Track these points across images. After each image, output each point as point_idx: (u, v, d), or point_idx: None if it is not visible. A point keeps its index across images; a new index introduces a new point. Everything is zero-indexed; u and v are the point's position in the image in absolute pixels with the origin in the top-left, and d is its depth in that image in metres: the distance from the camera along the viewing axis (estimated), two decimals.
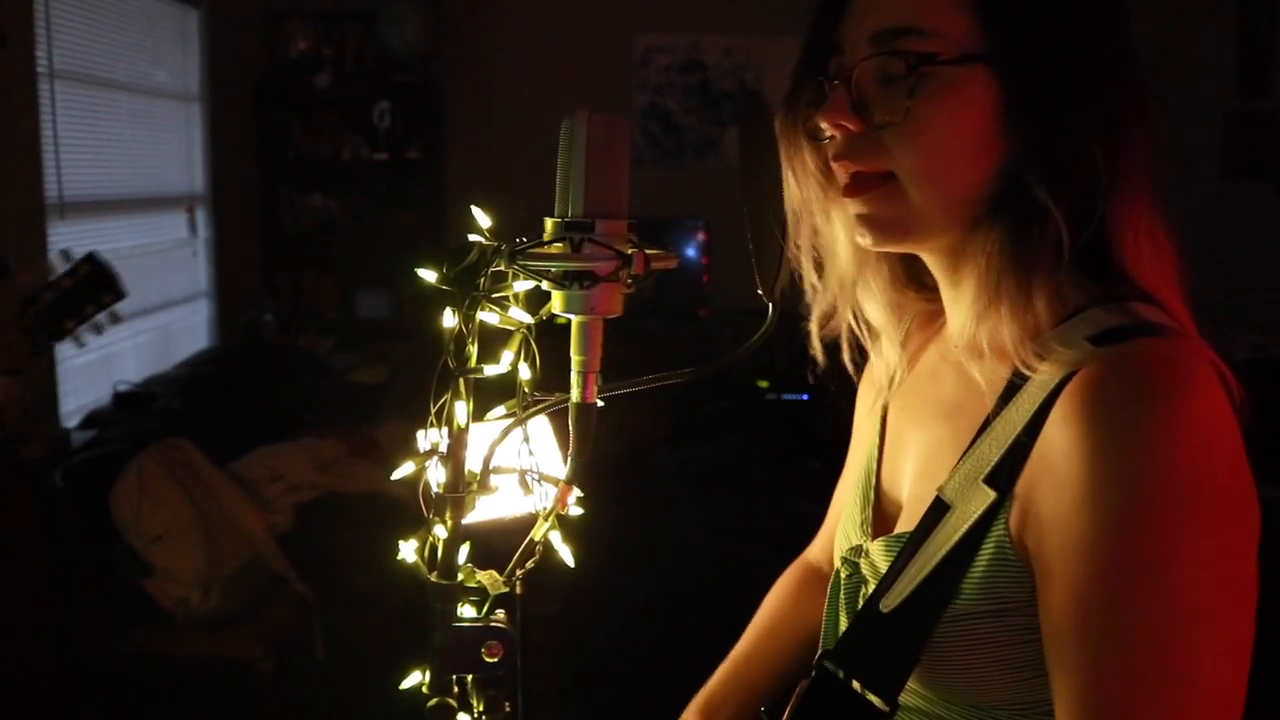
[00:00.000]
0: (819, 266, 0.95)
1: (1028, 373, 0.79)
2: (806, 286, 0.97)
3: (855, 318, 0.98)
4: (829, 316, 0.98)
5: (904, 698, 0.86)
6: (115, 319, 2.25)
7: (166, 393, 3.71)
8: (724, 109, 5.24)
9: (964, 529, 0.80)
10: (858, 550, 0.94)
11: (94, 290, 2.13)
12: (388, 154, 5.17)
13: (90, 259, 2.16)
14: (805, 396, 4.09)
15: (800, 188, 0.90)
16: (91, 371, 3.76)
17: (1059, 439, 0.75)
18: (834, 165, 0.85)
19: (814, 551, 1.22)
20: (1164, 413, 0.71)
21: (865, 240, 0.86)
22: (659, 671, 2.91)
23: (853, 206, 0.85)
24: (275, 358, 4.60)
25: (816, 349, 0.99)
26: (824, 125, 0.83)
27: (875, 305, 0.97)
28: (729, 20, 5.12)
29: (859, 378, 1.06)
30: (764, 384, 4.25)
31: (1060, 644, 0.74)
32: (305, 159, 5.22)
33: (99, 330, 2.21)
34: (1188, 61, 4.98)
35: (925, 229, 0.84)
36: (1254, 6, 4.51)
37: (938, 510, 0.83)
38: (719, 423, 4.11)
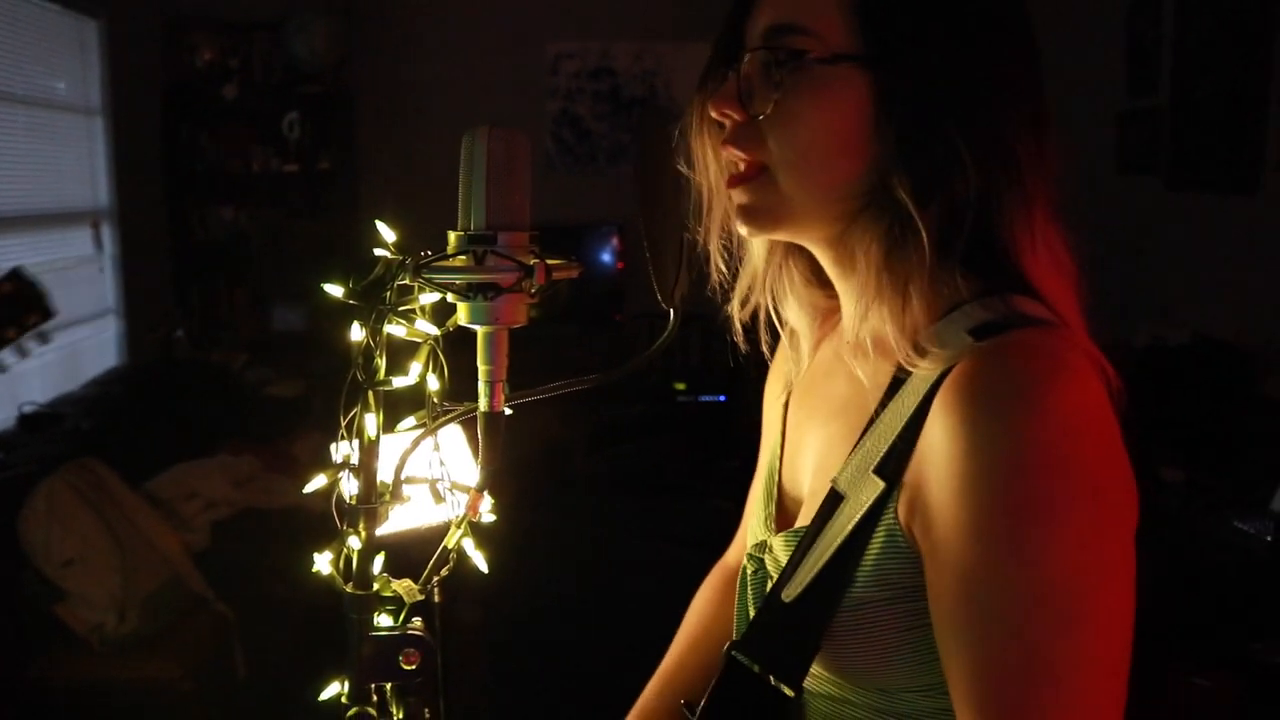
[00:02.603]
0: (726, 250, 0.98)
1: (910, 368, 0.82)
2: (712, 270, 0.98)
3: (773, 309, 1.00)
4: (745, 301, 1.00)
5: (813, 684, 0.89)
6: (44, 339, 2.08)
7: (75, 413, 3.63)
8: (634, 114, 5.28)
9: (857, 519, 0.82)
10: (762, 546, 0.96)
11: (17, 310, 1.97)
12: (298, 165, 5.12)
13: (14, 275, 1.96)
14: (722, 398, 4.14)
15: (709, 173, 0.93)
16: None
17: (939, 430, 0.77)
18: (722, 151, 0.89)
19: (732, 554, 1.24)
20: (1034, 401, 0.74)
21: (742, 229, 0.89)
22: (582, 674, 2.92)
23: (735, 197, 0.89)
24: (188, 374, 4.52)
25: (738, 332, 1.01)
26: (712, 112, 0.87)
27: (793, 304, 1.00)
28: (637, 26, 5.16)
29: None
30: (681, 386, 4.29)
31: (949, 628, 0.77)
32: (214, 171, 5.15)
33: (24, 354, 2.04)
34: (1082, 63, 5.14)
35: (797, 220, 0.87)
36: (1139, 11, 4.67)
37: (832, 502, 0.86)
38: (637, 426, 4.14)
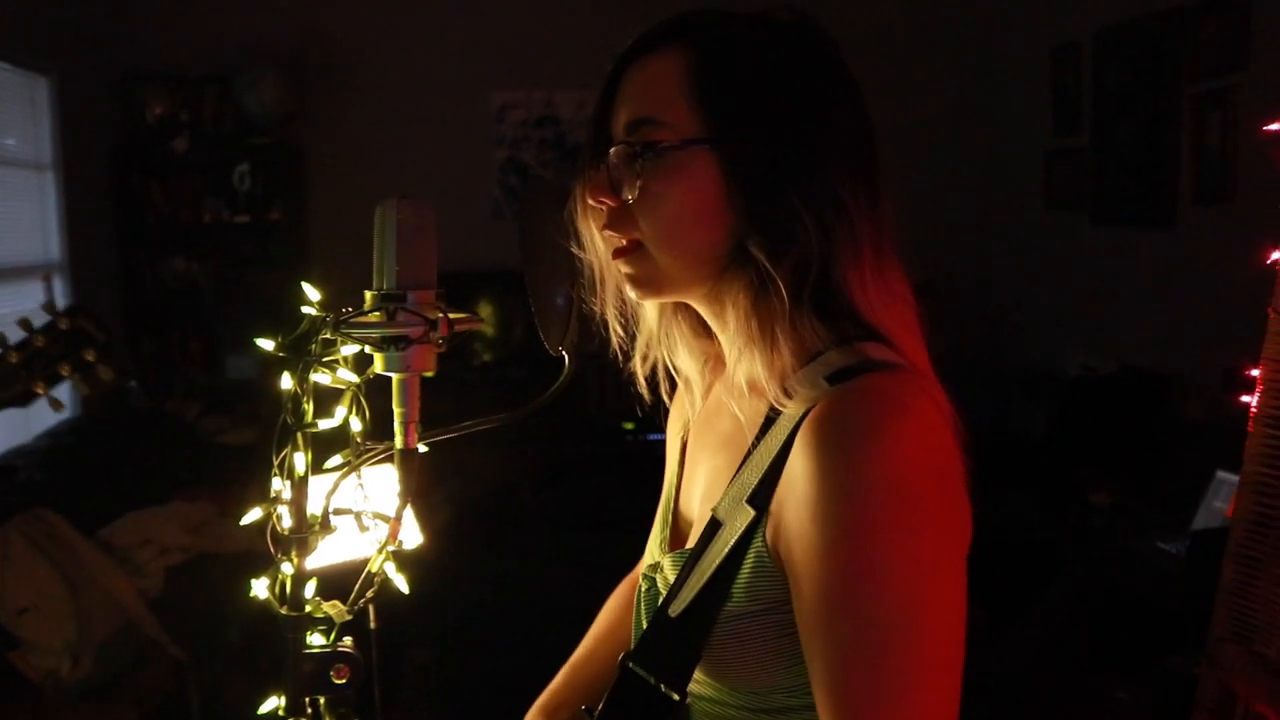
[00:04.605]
0: (622, 316, 1.10)
1: (780, 409, 0.93)
2: (612, 336, 1.11)
3: (669, 361, 1.13)
4: (645, 356, 1.12)
5: (697, 689, 0.99)
6: (110, 372, 2.01)
7: (28, 465, 3.67)
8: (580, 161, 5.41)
9: (731, 543, 0.93)
10: (655, 566, 1.07)
11: (73, 346, 1.94)
12: (249, 216, 5.20)
13: (73, 311, 1.99)
14: None
15: (598, 250, 1.05)
16: None
17: (798, 463, 0.88)
18: (603, 233, 1.01)
19: (642, 566, 1.36)
20: (876, 438, 0.85)
21: (632, 294, 1.02)
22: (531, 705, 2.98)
23: (621, 268, 1.01)
24: (141, 424, 4.56)
25: (642, 386, 1.13)
26: (589, 201, 0.99)
27: (683, 353, 1.12)
28: (582, 75, 5.29)
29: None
30: (629, 426, 4.40)
31: (810, 636, 0.88)
32: (166, 223, 5.21)
33: (93, 386, 2.00)
34: (1011, 106, 5.35)
35: (675, 284, 0.99)
36: (1062, 57, 4.89)
37: (713, 528, 0.97)
38: (585, 465, 4.24)
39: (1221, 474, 3.18)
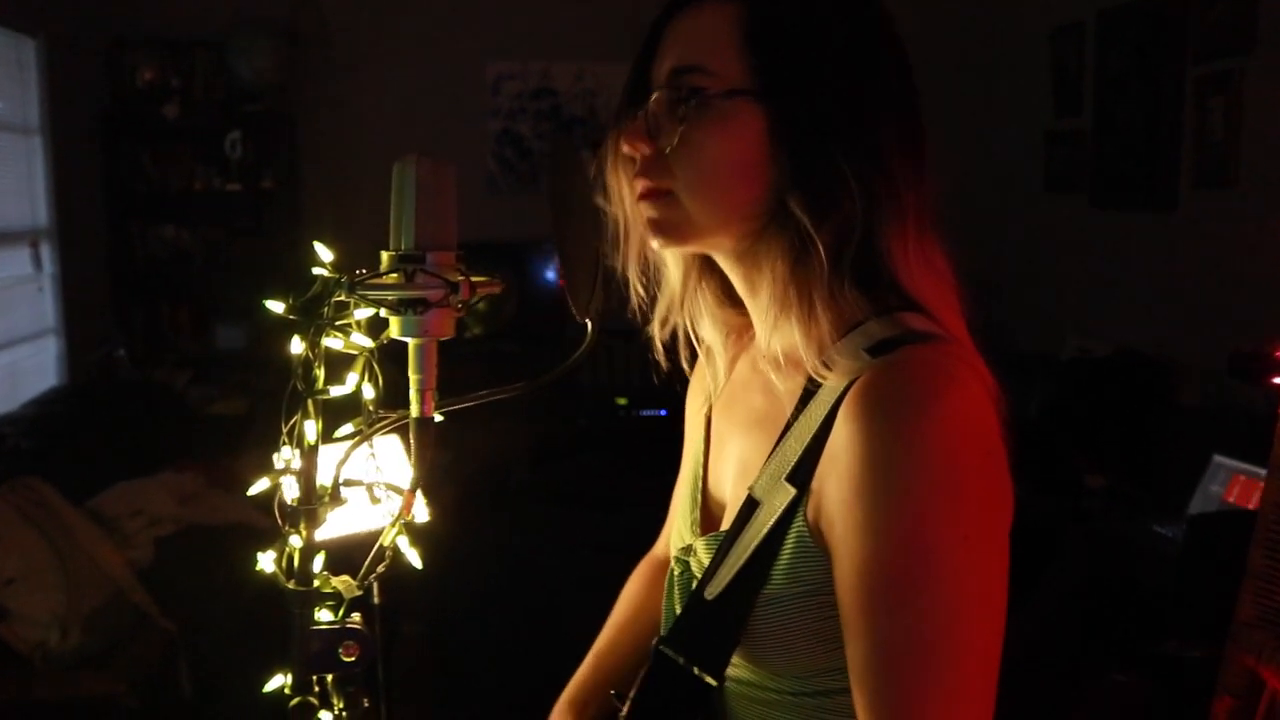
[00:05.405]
0: (644, 276, 1.06)
1: (820, 380, 0.90)
2: (632, 294, 1.06)
3: (691, 329, 1.09)
4: (665, 321, 1.08)
5: (734, 673, 0.96)
6: None
7: (14, 433, 3.62)
8: (576, 133, 5.36)
9: (771, 523, 0.90)
10: (687, 549, 1.04)
11: None
12: (241, 184, 5.14)
13: None
14: (663, 412, 4.21)
15: (625, 204, 1.01)
16: None
17: (842, 437, 0.85)
18: (635, 183, 0.96)
19: (660, 547, 1.33)
20: (923, 410, 0.82)
21: (653, 242, 0.97)
22: (525, 684, 2.97)
23: (644, 211, 0.97)
24: (129, 394, 4.51)
25: (659, 352, 1.09)
26: (624, 148, 0.95)
27: (707, 322, 1.08)
28: (578, 47, 5.24)
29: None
30: (623, 401, 4.37)
31: (849, 614, 0.85)
32: (155, 190, 5.14)
33: None
34: (1013, 89, 5.31)
35: (701, 233, 0.95)
36: (1063, 37, 4.84)
37: (749, 507, 0.93)
38: (579, 440, 4.20)
39: (1218, 458, 3.17)
